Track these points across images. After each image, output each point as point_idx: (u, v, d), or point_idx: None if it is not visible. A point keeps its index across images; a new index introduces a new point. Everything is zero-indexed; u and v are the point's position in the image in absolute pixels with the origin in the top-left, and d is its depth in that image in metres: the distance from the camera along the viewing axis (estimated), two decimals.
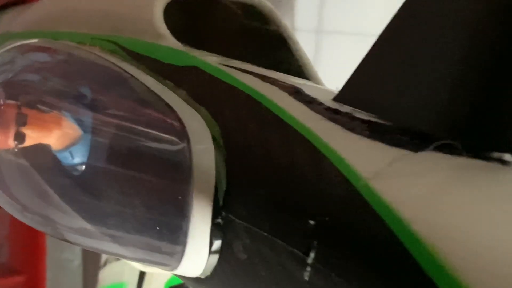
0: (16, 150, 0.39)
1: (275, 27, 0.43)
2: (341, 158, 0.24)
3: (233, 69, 0.32)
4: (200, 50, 0.36)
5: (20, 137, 0.38)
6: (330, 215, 0.23)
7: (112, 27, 0.42)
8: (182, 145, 0.29)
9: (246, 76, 0.31)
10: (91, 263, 0.87)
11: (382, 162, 0.23)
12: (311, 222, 0.23)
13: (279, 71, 0.35)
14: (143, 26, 0.40)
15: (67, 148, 0.38)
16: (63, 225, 0.38)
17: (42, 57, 0.43)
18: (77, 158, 0.37)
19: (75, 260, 0.87)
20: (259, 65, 0.35)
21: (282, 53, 0.43)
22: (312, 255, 0.23)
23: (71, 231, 0.37)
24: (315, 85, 0.31)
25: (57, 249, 0.85)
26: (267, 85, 0.30)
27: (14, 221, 0.77)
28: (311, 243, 0.23)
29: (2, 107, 0.39)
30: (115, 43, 0.40)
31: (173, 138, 0.30)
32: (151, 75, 0.34)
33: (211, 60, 0.33)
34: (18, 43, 0.46)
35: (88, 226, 0.34)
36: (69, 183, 0.38)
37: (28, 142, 0.39)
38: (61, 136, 0.38)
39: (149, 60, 0.36)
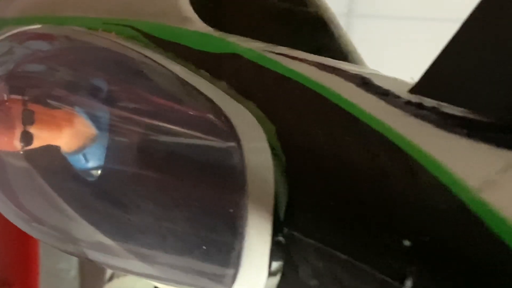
0: (22, 152, 0.35)
1: (313, 9, 0.40)
2: (438, 163, 0.21)
3: (282, 57, 0.29)
4: (236, 35, 0.32)
5: (27, 138, 0.34)
6: (430, 234, 0.20)
7: (126, 10, 0.39)
8: (231, 147, 0.26)
9: (300, 65, 0.28)
10: (89, 274, 0.84)
11: (493, 168, 0.20)
12: (406, 243, 0.20)
13: None
14: (164, 8, 0.37)
15: (80, 149, 0.34)
16: (78, 239, 0.34)
17: (48, 45, 0.39)
18: (92, 162, 0.34)
19: (71, 270, 0.84)
20: None
21: (322, 39, 0.39)
22: (408, 283, 0.20)
23: (88, 247, 0.33)
24: (380, 73, 0.28)
25: (51, 258, 0.82)
26: (328, 75, 0.26)
27: (2, 228, 0.74)
28: (407, 268, 0.20)
29: (6, 103, 0.35)
30: (133, 27, 0.36)
31: (219, 138, 0.26)
32: (182, 64, 0.31)
33: (254, 47, 0.30)
34: (17, 30, 0.42)
35: (110, 242, 0.31)
36: (83, 190, 0.34)
37: (36, 143, 0.35)
38: (73, 136, 0.35)
39: (177, 47, 0.33)
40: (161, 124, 0.29)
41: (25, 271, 0.74)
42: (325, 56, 0.36)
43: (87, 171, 0.34)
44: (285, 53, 0.29)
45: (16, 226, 0.70)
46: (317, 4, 0.39)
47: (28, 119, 0.34)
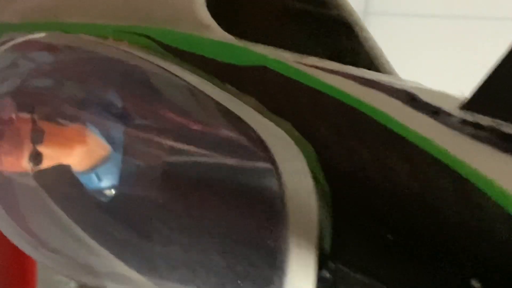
0: (31, 173, 0.34)
1: (335, 11, 0.38)
2: (502, 190, 0.19)
3: (315, 69, 0.27)
4: (261, 45, 0.31)
5: (36, 157, 0.33)
6: (500, 270, 0.18)
7: (138, 16, 0.37)
8: (266, 170, 0.24)
9: (337, 79, 0.26)
10: (89, 286, 0.82)
11: None
12: (475, 284, 0.18)
13: (343, 64, 0.29)
14: (179, 13, 0.35)
15: (92, 168, 0.32)
16: (94, 267, 0.32)
17: (56, 57, 0.37)
18: (106, 181, 0.32)
19: (70, 282, 0.82)
20: (314, 55, 0.30)
21: (346, 43, 0.38)
22: None
23: (105, 277, 0.32)
24: (423, 86, 0.26)
25: (49, 270, 0.80)
26: (369, 90, 0.25)
27: None
28: None
29: (14, 122, 0.34)
30: (147, 36, 0.34)
31: (253, 161, 0.25)
32: (205, 78, 0.29)
33: (282, 58, 0.28)
34: (21, 39, 0.40)
35: (133, 274, 0.29)
36: (99, 213, 0.33)
37: (46, 163, 0.33)
38: (85, 154, 0.33)
39: (199, 59, 0.31)
40: (186, 145, 0.28)
41: (22, 283, 0.70)
42: (348, 61, 0.34)
43: (101, 191, 0.33)
44: (317, 65, 0.27)
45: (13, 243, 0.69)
46: (340, 7, 0.38)
47: (38, 137, 0.33)
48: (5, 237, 0.71)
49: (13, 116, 0.34)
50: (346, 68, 0.27)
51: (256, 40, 0.31)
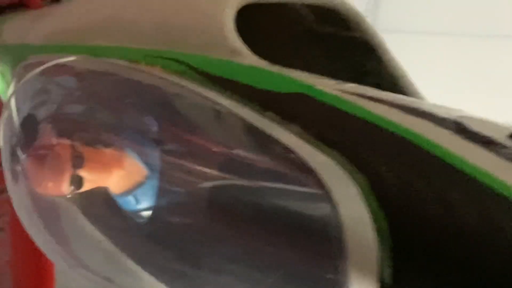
0: (70, 196, 0.32)
1: (358, 34, 0.37)
2: None
3: (357, 97, 0.26)
4: (296, 71, 0.29)
5: (77, 181, 0.31)
6: None
7: (169, 40, 0.35)
8: (319, 200, 0.23)
9: (382, 108, 0.25)
10: None
11: None
12: None
13: (366, 85, 0.28)
14: (210, 39, 0.33)
15: (130, 191, 0.31)
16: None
17: (87, 82, 0.36)
18: (143, 203, 0.31)
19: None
20: (337, 77, 0.29)
21: (369, 63, 0.37)
22: None
23: None
24: (466, 113, 0.25)
25: (67, 277, 0.78)
26: (416, 119, 0.24)
27: (17, 246, 0.69)
28: None
29: (55, 147, 0.32)
30: (180, 61, 0.33)
31: (303, 188, 0.24)
32: (245, 105, 0.28)
33: (323, 86, 0.27)
34: (51, 63, 0.39)
35: None
36: (136, 235, 0.31)
37: (86, 187, 0.32)
38: (123, 177, 0.32)
39: (236, 85, 0.29)
40: (230, 173, 0.26)
41: None
42: (371, 81, 0.33)
43: (138, 213, 0.31)
44: (358, 92, 0.26)
45: (32, 247, 0.66)
46: (363, 30, 0.37)
47: (78, 162, 0.32)
48: (24, 246, 0.70)
49: (54, 141, 0.33)
50: (387, 95, 0.26)
51: (281, 62, 0.30)
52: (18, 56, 0.48)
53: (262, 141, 0.26)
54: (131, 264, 0.30)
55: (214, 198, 0.26)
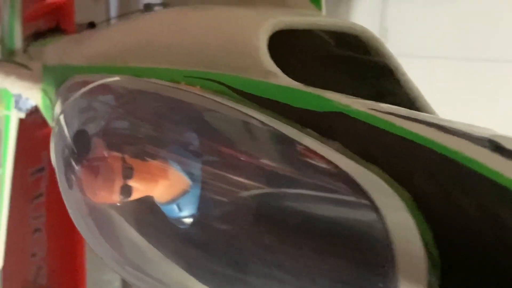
0: (119, 204, 0.33)
1: (377, 58, 0.38)
2: None
3: (393, 116, 0.25)
4: (329, 91, 0.30)
5: (126, 191, 0.32)
6: None
7: (204, 62, 0.36)
8: (366, 211, 0.22)
9: (419, 127, 0.24)
10: (131, 285, 0.80)
11: None
12: None
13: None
14: (245, 61, 0.34)
15: (174, 199, 0.32)
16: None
17: (134, 101, 0.37)
18: (186, 211, 0.32)
19: (115, 281, 0.80)
20: (357, 97, 0.29)
21: (387, 85, 0.38)
22: None
23: None
24: (496, 132, 0.25)
25: (97, 270, 0.78)
26: (454, 138, 0.23)
27: (52, 243, 0.73)
28: None
29: (107, 160, 0.33)
30: (218, 81, 0.34)
31: (351, 201, 0.23)
32: (284, 122, 0.28)
33: (357, 105, 0.28)
34: (98, 83, 0.40)
35: None
36: (179, 240, 0.32)
37: (134, 196, 0.33)
38: (168, 187, 0.32)
39: (274, 104, 0.29)
40: (274, 188, 0.27)
41: (74, 283, 0.72)
42: (389, 101, 0.33)
43: (181, 219, 0.32)
44: (392, 111, 0.26)
45: (66, 244, 0.67)
46: (382, 54, 0.38)
47: (128, 173, 0.32)
48: (58, 244, 0.70)
49: (105, 154, 0.34)
50: (420, 115, 0.26)
51: (304, 83, 0.30)
52: (61, 76, 0.49)
53: (302, 154, 0.26)
54: (177, 269, 0.31)
55: (258, 207, 0.26)
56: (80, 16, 0.73)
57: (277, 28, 0.35)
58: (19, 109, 0.56)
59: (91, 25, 0.64)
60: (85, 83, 0.41)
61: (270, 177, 0.27)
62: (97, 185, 0.32)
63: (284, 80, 0.31)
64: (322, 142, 0.26)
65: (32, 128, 0.71)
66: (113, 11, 0.83)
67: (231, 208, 0.28)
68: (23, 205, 0.74)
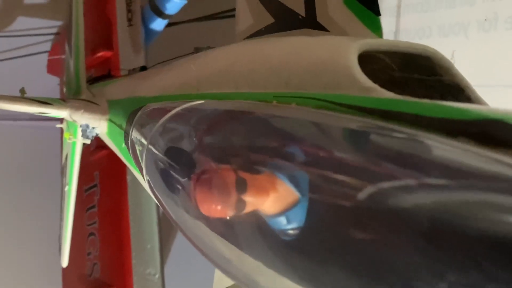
0: (228, 218, 0.22)
1: (449, 77, 0.28)
2: None
3: None
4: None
5: (241, 205, 0.21)
6: None
7: (288, 85, 0.26)
8: None
9: None
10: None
11: None
12: None
13: None
14: (339, 79, 0.24)
15: (282, 212, 0.21)
16: None
17: (232, 118, 0.26)
18: (293, 223, 0.21)
19: (156, 274, 0.70)
20: None
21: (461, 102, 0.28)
22: None
23: None
24: None
25: (142, 265, 0.69)
26: None
27: (103, 244, 0.67)
28: None
29: (220, 173, 0.22)
30: (318, 99, 0.23)
31: None
32: (428, 132, 0.18)
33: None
34: (179, 108, 0.28)
35: None
36: (288, 252, 0.21)
37: (247, 209, 0.21)
38: (276, 200, 0.21)
39: (397, 114, 0.20)
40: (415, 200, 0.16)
41: (122, 275, 0.65)
42: None
43: (286, 231, 0.21)
44: None
45: (114, 244, 0.58)
46: (452, 74, 0.28)
47: (242, 187, 0.21)
48: (109, 245, 0.62)
49: (216, 168, 0.22)
50: None
51: None
52: (131, 106, 0.39)
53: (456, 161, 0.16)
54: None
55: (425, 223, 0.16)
56: (124, 64, 0.69)
57: (363, 49, 0.25)
58: (86, 137, 0.47)
59: (143, 69, 0.55)
60: (164, 109, 0.30)
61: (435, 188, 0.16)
62: (213, 199, 0.21)
63: (387, 94, 0.21)
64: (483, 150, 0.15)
65: (87, 154, 0.67)
66: (150, 60, 0.73)
67: (340, 215, 0.17)
68: (80, 215, 0.69)
